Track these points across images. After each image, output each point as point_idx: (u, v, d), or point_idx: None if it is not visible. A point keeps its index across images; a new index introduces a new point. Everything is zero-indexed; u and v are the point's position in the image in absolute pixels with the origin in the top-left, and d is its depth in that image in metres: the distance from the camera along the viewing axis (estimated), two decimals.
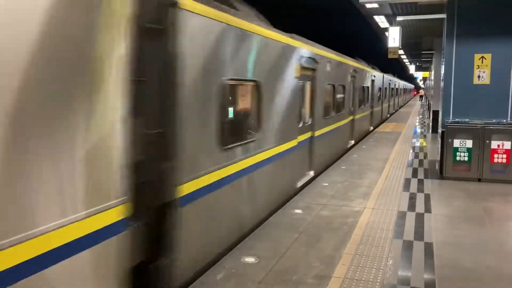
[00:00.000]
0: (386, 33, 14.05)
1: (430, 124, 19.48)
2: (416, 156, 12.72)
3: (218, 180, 5.01)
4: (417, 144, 15.35)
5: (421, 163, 11.56)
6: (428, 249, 5.48)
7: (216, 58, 4.99)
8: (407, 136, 17.49)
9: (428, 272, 4.81)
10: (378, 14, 12.83)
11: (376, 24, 14.59)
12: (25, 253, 2.50)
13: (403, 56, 29.75)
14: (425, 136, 17.79)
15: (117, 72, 3.23)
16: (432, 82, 22.41)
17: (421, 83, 75.03)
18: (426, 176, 9.84)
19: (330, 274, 4.70)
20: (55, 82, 2.66)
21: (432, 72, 23.09)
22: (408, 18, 13.70)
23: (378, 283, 4.50)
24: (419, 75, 49.22)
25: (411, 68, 40.22)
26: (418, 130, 20.18)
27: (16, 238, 2.45)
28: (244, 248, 5.40)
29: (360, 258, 5.16)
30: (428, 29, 16.38)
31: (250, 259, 5.07)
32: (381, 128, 20.86)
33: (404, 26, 15.42)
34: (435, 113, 18.13)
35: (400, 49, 21.17)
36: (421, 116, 30.24)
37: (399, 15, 13.36)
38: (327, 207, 7.25)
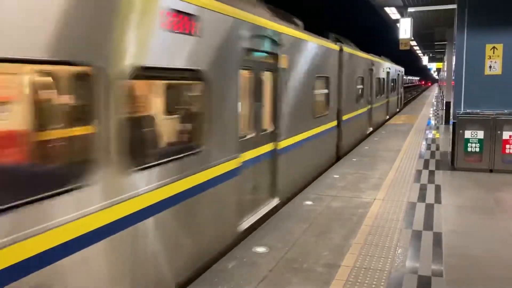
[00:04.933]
0: (398, 25, 14.00)
1: (443, 115, 19.38)
2: (428, 147, 12.70)
3: None
4: (430, 135, 15.31)
5: (433, 154, 11.56)
6: (437, 238, 5.55)
7: None
8: (420, 128, 17.43)
9: (436, 261, 4.89)
10: (389, 6, 12.79)
11: (387, 15, 14.53)
12: None
13: (416, 48, 29.53)
14: (438, 128, 17.71)
15: None
16: (446, 73, 22.24)
17: (435, 74, 74.13)
18: (437, 168, 9.85)
19: (339, 263, 4.81)
20: None
21: (445, 63, 22.91)
22: (420, 9, 13.65)
23: (386, 272, 4.60)
24: (433, 66, 48.75)
25: (424, 59, 39.85)
26: (431, 122, 20.09)
27: None
28: (255, 238, 5.53)
29: (369, 247, 5.26)
30: (441, 19, 16.27)
31: (261, 249, 5.19)
32: (393, 120, 20.79)
33: (416, 17, 15.34)
34: (448, 104, 18.03)
35: (412, 40, 21.06)
36: (434, 108, 30.03)
37: (410, 6, 13.31)
38: (338, 199, 7.34)
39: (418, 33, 20.37)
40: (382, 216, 6.42)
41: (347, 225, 6.03)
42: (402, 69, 29.19)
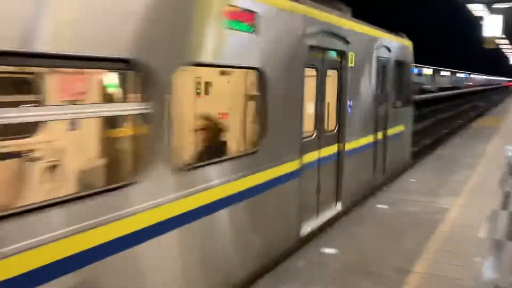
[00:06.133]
0: (481, 22, 13.25)
1: None
2: None
3: None
4: None
5: None
6: None
7: None
8: (508, 131, 16.31)
9: None
10: (473, 2, 12.12)
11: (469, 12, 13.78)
12: None
13: (505, 46, 27.64)
14: None
15: None
16: None
17: None
18: None
19: (410, 269, 4.70)
20: None
21: None
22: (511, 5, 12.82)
23: (460, 280, 4.42)
24: None
25: None
26: None
27: None
28: (325, 240, 5.54)
29: (444, 254, 5.07)
30: None
31: (330, 250, 5.20)
32: (478, 123, 19.65)
33: (507, 15, 14.36)
34: None
35: (503, 38, 19.73)
36: None
37: (500, 2, 12.53)
38: (413, 203, 7.12)
39: (508, 31, 19.05)
40: (460, 223, 6.15)
41: (421, 230, 5.85)
42: (409, 45, 9.85)
